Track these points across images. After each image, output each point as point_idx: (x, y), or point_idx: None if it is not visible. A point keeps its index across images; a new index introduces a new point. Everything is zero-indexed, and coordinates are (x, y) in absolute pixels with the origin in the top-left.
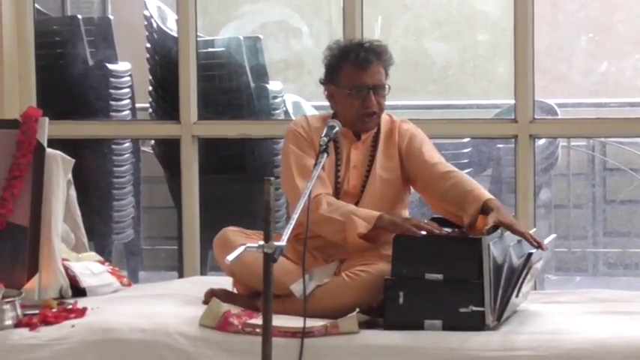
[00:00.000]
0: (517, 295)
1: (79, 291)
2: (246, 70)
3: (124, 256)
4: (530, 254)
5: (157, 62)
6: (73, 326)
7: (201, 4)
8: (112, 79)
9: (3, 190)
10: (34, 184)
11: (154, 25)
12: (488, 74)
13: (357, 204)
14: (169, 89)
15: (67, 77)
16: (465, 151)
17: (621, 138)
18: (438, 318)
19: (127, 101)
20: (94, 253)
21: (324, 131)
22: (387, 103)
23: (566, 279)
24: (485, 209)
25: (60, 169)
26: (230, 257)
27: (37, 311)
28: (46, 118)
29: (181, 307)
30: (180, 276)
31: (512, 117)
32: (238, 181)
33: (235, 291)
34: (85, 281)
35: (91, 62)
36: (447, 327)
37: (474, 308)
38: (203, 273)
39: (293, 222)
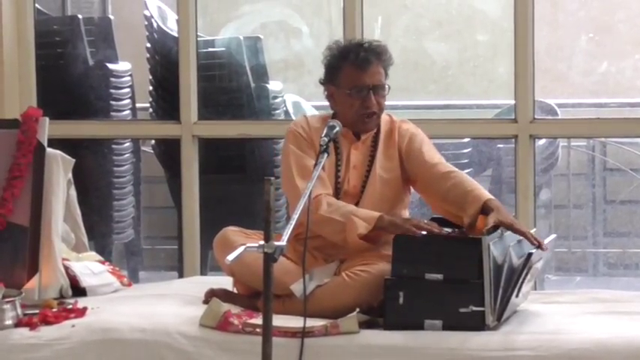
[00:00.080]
0: (517, 295)
1: (79, 291)
2: (246, 70)
3: (124, 256)
4: (530, 254)
5: (157, 62)
6: (73, 326)
7: (201, 4)
8: (112, 79)
9: (3, 190)
10: (34, 184)
11: (155, 24)
12: (489, 74)
13: (357, 204)
14: (169, 89)
15: (67, 77)
16: (465, 151)
17: (621, 138)
18: (438, 318)
19: (128, 101)
20: (94, 253)
21: (325, 131)
22: (387, 103)
23: (566, 279)
24: (485, 209)
25: (60, 168)
26: (230, 257)
27: (37, 311)
28: (47, 118)
29: (181, 307)
30: (181, 276)
31: (513, 117)
32: (238, 181)
33: (235, 291)
34: (85, 281)
35: (91, 62)
36: (447, 327)
37: (474, 308)
38: (203, 273)
39: (293, 222)
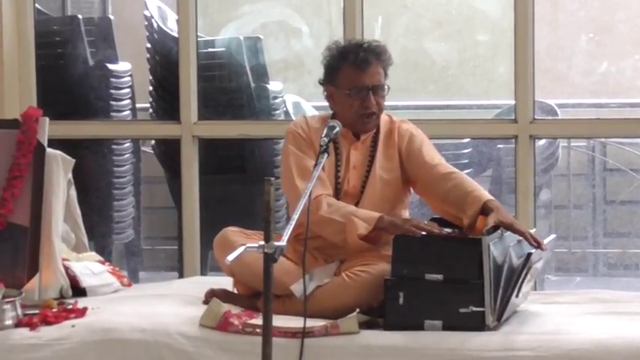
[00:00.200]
0: (517, 296)
1: (79, 291)
2: (246, 70)
3: (124, 256)
4: (529, 254)
5: (157, 62)
6: (73, 326)
7: (201, 5)
8: (112, 79)
9: (3, 190)
10: (34, 184)
11: (155, 25)
12: (489, 74)
13: (357, 204)
14: (170, 89)
15: (67, 77)
16: (465, 151)
17: (621, 138)
18: (438, 318)
19: (128, 101)
20: (94, 253)
21: (325, 131)
22: (387, 103)
23: (566, 279)
24: (485, 210)
25: (60, 169)
26: (230, 257)
27: (37, 311)
28: (47, 118)
29: (181, 308)
30: (181, 276)
31: (513, 117)
32: (238, 182)
33: (235, 291)
34: (86, 281)
35: (91, 62)
36: (447, 327)
37: (474, 308)
38: (203, 273)
39: (293, 223)
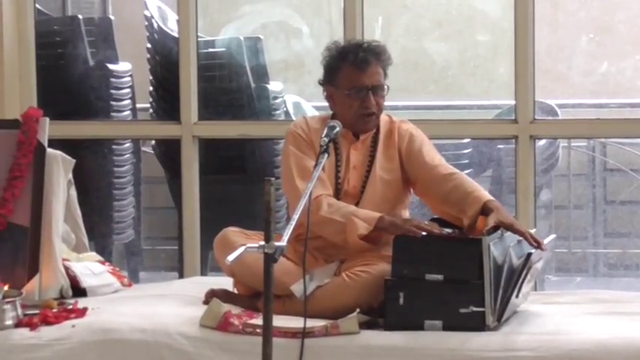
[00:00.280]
0: (517, 296)
1: (79, 291)
2: (246, 70)
3: (124, 257)
4: (529, 254)
5: (157, 62)
6: (73, 326)
7: (201, 5)
8: (112, 80)
9: (4, 191)
10: (34, 185)
11: (155, 25)
12: (489, 74)
13: (357, 204)
14: (170, 89)
15: (67, 77)
16: (466, 151)
17: (621, 138)
18: (438, 318)
19: (128, 101)
20: (94, 254)
21: (325, 131)
22: (387, 103)
23: (566, 280)
24: (485, 210)
25: (60, 169)
26: (230, 258)
27: (37, 311)
28: (47, 119)
29: (182, 308)
30: (181, 276)
31: (513, 117)
32: (239, 182)
33: (236, 291)
34: (86, 281)
35: (91, 62)
36: (448, 327)
37: (475, 309)
38: (203, 273)
39: (293, 223)
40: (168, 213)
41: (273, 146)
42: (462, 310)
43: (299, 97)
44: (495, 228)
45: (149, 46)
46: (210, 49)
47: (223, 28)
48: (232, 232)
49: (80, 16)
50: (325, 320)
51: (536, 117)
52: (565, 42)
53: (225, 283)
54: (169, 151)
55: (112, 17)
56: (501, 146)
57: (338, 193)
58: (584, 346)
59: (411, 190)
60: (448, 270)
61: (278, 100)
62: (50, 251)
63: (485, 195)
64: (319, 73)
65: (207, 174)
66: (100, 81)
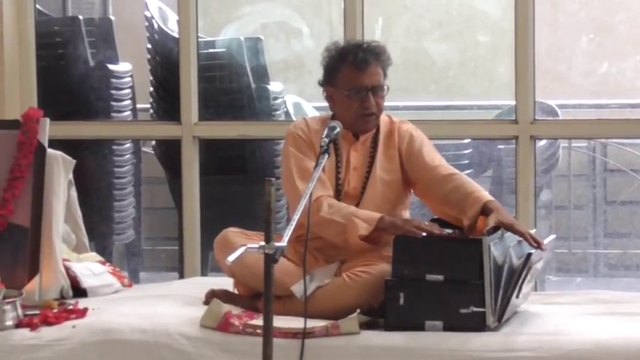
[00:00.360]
0: (517, 296)
1: (79, 291)
2: (246, 70)
3: (124, 257)
4: (529, 254)
5: (157, 63)
6: (73, 327)
7: (201, 5)
8: (112, 80)
9: (4, 191)
10: (34, 185)
11: (155, 25)
12: (489, 75)
13: (357, 205)
14: (170, 90)
15: (67, 78)
16: (466, 152)
17: (622, 139)
18: (438, 319)
19: (128, 102)
20: (94, 254)
21: (325, 132)
22: (387, 103)
23: (566, 280)
24: (485, 211)
25: (61, 169)
26: (231, 258)
27: (37, 312)
28: (47, 119)
29: (182, 308)
30: (181, 277)
31: (513, 118)
32: (239, 182)
33: (236, 292)
34: (86, 282)
35: (91, 63)
36: (448, 328)
37: (475, 309)
38: (204, 274)
39: (293, 224)
40: (169, 213)
41: (274, 146)
42: (463, 311)
43: (299, 98)
44: (495, 228)
45: (149, 46)
46: (211, 50)
47: (223, 29)
48: (233, 232)
49: (80, 17)
50: (325, 321)
51: (536, 117)
52: (565, 42)
53: (226, 283)
54: (170, 152)
55: (112, 18)
56: (502, 146)
57: (338, 194)
58: (584, 346)
59: (411, 190)
60: (448, 270)
61: (278, 101)
62: (50, 252)
63: (486, 195)
64: (319, 73)
65: (207, 174)
66: (101, 81)
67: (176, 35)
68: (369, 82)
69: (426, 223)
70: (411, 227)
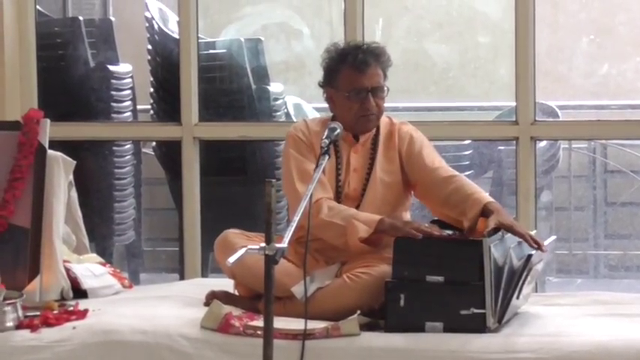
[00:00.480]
0: (518, 297)
1: (80, 293)
2: (247, 71)
3: (124, 258)
4: (529, 255)
5: (158, 64)
6: (74, 328)
7: (202, 6)
8: (113, 81)
9: (4, 192)
10: (35, 186)
11: (155, 26)
12: (489, 76)
13: (357, 207)
14: (170, 91)
15: (68, 79)
16: (466, 153)
17: (622, 140)
18: (439, 320)
19: (128, 103)
20: (95, 255)
21: (326, 133)
22: (387, 104)
23: (567, 281)
24: (485, 212)
25: (61, 170)
26: (231, 259)
27: (38, 313)
28: (48, 120)
29: (182, 309)
30: (181, 278)
31: (514, 119)
32: (239, 183)
33: (236, 293)
34: (87, 283)
35: (92, 64)
36: (448, 329)
37: (475, 310)
38: (204, 275)
39: (293, 226)
40: (169, 214)
41: (274, 147)
42: (463, 312)
43: (299, 99)
44: (496, 230)
45: (150, 47)
46: (211, 51)
47: (224, 30)
48: (233, 233)
49: (81, 18)
50: (326, 322)
51: (536, 118)
52: (566, 43)
53: (226, 284)
54: (170, 153)
55: (112, 18)
56: (502, 148)
57: (338, 196)
58: (584, 347)
59: (412, 192)
60: (449, 271)
61: (278, 102)
62: (51, 253)
63: (486, 197)
64: (320, 74)
65: (207, 175)
66: (101, 82)
67: (176, 36)
68: (369, 83)
69: (426, 225)
70: (410, 229)
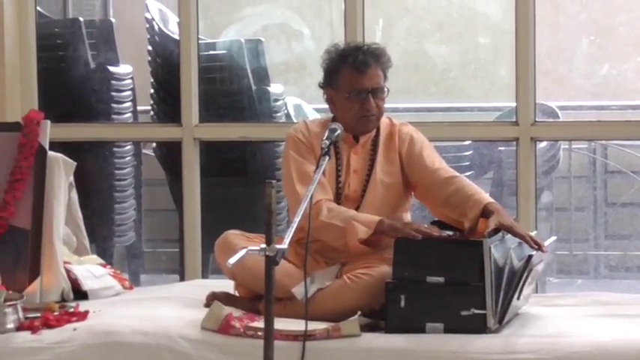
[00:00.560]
0: (518, 298)
1: (80, 294)
2: (247, 72)
3: (125, 259)
4: (530, 256)
5: (158, 65)
6: (74, 329)
7: (202, 7)
8: (113, 82)
9: (5, 193)
10: (35, 187)
11: (156, 27)
12: (490, 76)
13: (357, 208)
14: (171, 92)
15: (68, 80)
16: (467, 153)
17: (622, 140)
18: (439, 321)
19: (129, 104)
20: (95, 256)
21: (326, 134)
22: (387, 105)
23: (567, 282)
24: (485, 213)
25: (62, 171)
26: (232, 260)
27: (38, 314)
28: (48, 121)
29: (183, 310)
30: (182, 279)
31: (514, 120)
32: (240, 184)
33: (237, 294)
34: (87, 284)
35: (92, 65)
36: (449, 330)
37: (476, 311)
38: (204, 276)
39: (294, 227)
40: (169, 215)
41: (274, 148)
42: (463, 313)
43: (300, 100)
44: (496, 230)
45: (150, 48)
46: (211, 52)
47: (224, 31)
48: (233, 234)
49: (81, 19)
50: (326, 323)
51: (537, 119)
52: (566, 44)
53: (227, 285)
54: (170, 154)
55: (112, 20)
56: (502, 148)
57: (339, 198)
58: (585, 348)
59: (412, 193)
60: (449, 272)
61: (279, 103)
62: (51, 254)
63: (486, 197)
64: (320, 75)
65: (208, 176)
66: (101, 83)
67: (177, 37)
68: (369, 84)
69: (425, 226)
70: (410, 230)
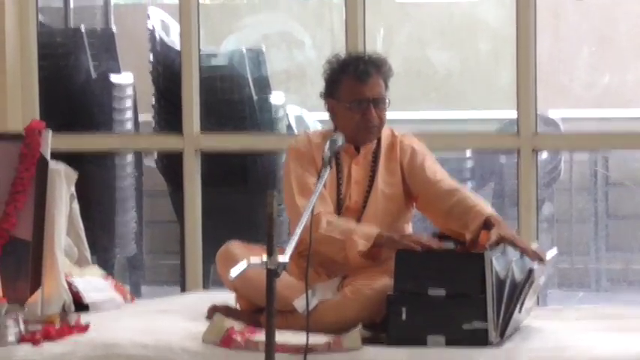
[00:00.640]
0: (520, 311)
1: (82, 307)
2: (248, 81)
3: (126, 270)
4: (531, 269)
5: (159, 74)
6: (76, 342)
7: (203, 16)
8: (114, 91)
9: (6, 204)
10: (36, 198)
11: (157, 37)
12: (491, 83)
13: (359, 219)
14: (172, 101)
15: (69, 89)
16: (468, 164)
17: (624, 149)
18: (441, 333)
19: (130, 114)
20: (96, 267)
21: (327, 145)
22: (389, 116)
23: (569, 295)
24: (487, 225)
25: (63, 182)
26: (233, 274)
27: (40, 327)
28: (49, 131)
29: (184, 323)
30: (183, 290)
31: (515, 130)
32: (241, 194)
33: (238, 306)
34: (89, 297)
35: (94, 74)
36: (450, 343)
37: (477, 324)
38: (205, 287)
39: (294, 241)
40: (171, 227)
41: (275, 158)
42: (465, 327)
43: (301, 109)
44: (498, 243)
45: (151, 57)
46: (212, 61)
47: (225, 40)
48: (235, 245)
49: (83, 28)
50: (327, 336)
51: (538, 130)
52: (567, 54)
53: (228, 297)
54: (171, 164)
55: (114, 29)
56: (503, 160)
57: (340, 208)
58: None
59: (413, 204)
60: (450, 284)
61: (280, 112)
62: (53, 265)
63: (487, 209)
64: (321, 84)
65: (208, 186)
66: (103, 93)
67: (178, 47)
68: (370, 94)
69: (425, 238)
70: (409, 242)
